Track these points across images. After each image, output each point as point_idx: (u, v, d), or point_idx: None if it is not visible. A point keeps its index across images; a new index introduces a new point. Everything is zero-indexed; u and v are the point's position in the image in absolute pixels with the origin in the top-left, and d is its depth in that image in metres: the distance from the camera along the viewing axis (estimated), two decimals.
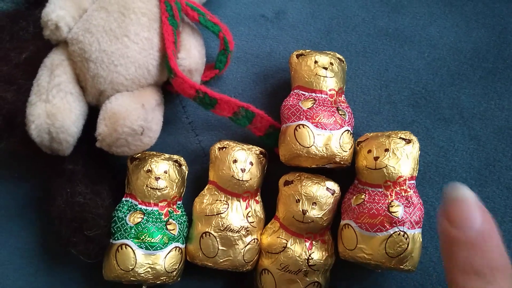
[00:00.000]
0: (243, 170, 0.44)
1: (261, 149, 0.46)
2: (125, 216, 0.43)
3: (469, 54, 0.51)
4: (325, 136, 0.43)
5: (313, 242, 0.43)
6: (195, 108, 0.50)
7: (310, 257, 0.43)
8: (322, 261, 0.43)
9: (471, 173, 0.47)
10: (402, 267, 0.40)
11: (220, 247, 0.43)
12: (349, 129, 0.44)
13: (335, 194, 0.44)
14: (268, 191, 0.46)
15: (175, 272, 0.43)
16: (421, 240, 0.41)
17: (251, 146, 0.46)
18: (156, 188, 0.43)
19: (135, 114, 0.41)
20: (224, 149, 0.45)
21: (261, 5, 0.55)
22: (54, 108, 0.41)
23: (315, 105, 0.44)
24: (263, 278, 0.44)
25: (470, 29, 0.52)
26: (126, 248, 0.41)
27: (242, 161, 0.44)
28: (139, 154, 0.44)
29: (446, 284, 0.43)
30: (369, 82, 0.51)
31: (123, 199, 0.44)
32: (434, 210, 0.47)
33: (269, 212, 0.46)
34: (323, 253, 0.43)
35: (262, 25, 0.54)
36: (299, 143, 0.43)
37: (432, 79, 0.50)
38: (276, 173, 0.46)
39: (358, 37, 0.52)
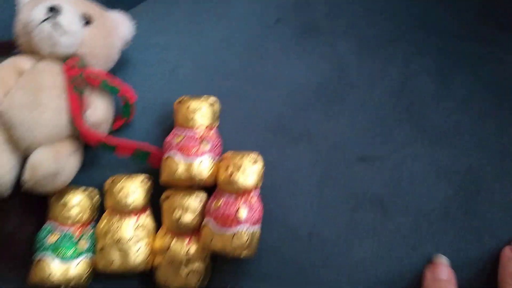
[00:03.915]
0: (127, 195, 0.58)
1: (144, 175, 0.61)
2: (45, 237, 0.57)
3: (314, 86, 0.65)
4: (187, 164, 0.57)
5: (192, 237, 0.58)
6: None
7: (188, 250, 0.57)
8: (199, 252, 0.57)
9: (313, 178, 0.60)
10: (242, 255, 0.54)
11: (115, 255, 0.57)
12: (211, 156, 0.58)
13: (203, 201, 0.59)
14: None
15: (84, 277, 0.58)
16: (259, 233, 0.56)
17: (135, 174, 0.60)
18: (70, 216, 0.58)
19: (47, 162, 0.55)
20: (113, 182, 0.60)
21: (162, 63, 0.70)
22: None
23: (183, 139, 0.59)
24: (157, 272, 0.59)
25: (316, 67, 0.66)
26: (44, 260, 0.56)
27: (126, 188, 0.59)
28: None
29: None
30: (240, 116, 0.65)
31: (46, 224, 0.59)
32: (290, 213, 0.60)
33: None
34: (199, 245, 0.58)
35: (162, 79, 0.69)
36: (169, 170, 0.58)
37: (286, 110, 0.64)
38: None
39: (233, 81, 0.67)
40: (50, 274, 0.56)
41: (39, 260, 0.57)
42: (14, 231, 0.57)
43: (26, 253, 0.58)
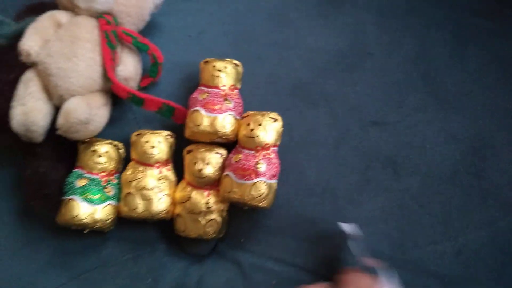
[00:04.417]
0: (152, 147, 0.62)
1: (168, 131, 0.64)
2: (74, 181, 0.61)
3: (334, 53, 0.68)
4: (211, 118, 0.61)
5: (211, 191, 0.61)
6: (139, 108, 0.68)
7: (208, 202, 0.60)
8: (217, 204, 0.61)
9: (329, 139, 0.64)
10: (260, 205, 0.57)
11: (139, 202, 0.61)
12: (233, 113, 0.62)
13: (223, 156, 0.62)
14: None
15: (109, 221, 0.61)
16: (276, 187, 0.59)
17: (160, 131, 0.63)
18: (98, 163, 0.62)
19: (80, 109, 0.59)
20: (139, 135, 0.63)
21: (188, 28, 0.73)
22: (27, 109, 0.59)
23: (208, 96, 0.62)
24: (177, 220, 0.62)
25: (337, 35, 0.69)
26: (73, 201, 0.60)
27: (152, 141, 0.62)
28: (88, 139, 0.63)
29: None
30: (261, 79, 0.68)
31: (74, 169, 0.62)
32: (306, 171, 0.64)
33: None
34: (218, 198, 0.61)
35: (188, 42, 0.72)
36: (193, 123, 0.61)
37: (306, 75, 0.67)
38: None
39: (257, 47, 0.70)
40: (77, 215, 0.60)
41: (68, 201, 0.60)
42: (46, 173, 0.61)
43: (57, 194, 0.61)
